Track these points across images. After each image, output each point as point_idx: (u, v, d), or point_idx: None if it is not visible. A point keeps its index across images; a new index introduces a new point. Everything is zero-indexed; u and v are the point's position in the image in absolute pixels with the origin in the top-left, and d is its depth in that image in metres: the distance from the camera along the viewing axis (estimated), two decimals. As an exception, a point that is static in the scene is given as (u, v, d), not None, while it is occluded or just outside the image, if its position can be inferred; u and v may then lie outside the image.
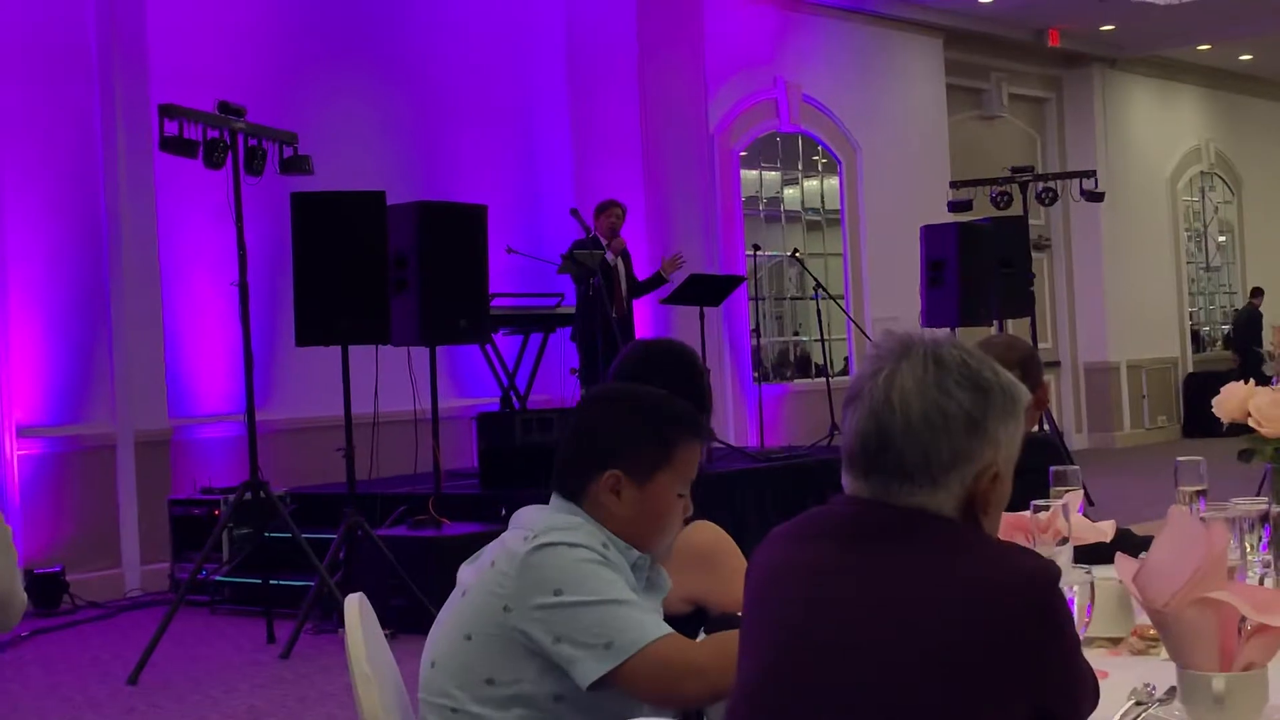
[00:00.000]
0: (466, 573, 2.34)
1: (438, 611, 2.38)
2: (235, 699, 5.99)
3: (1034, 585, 1.64)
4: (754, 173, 13.22)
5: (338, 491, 7.64)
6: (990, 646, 1.60)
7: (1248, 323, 17.91)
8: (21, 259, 8.44)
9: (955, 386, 1.70)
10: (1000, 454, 1.72)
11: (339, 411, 7.18)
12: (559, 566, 2.19)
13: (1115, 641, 2.39)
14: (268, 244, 8.51)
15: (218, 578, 7.99)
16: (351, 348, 7.13)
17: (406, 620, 6.32)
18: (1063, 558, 2.32)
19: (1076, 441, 15.76)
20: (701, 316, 9.90)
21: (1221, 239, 19.10)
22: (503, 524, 2.42)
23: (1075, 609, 2.19)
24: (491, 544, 2.35)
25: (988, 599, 1.62)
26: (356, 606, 2.40)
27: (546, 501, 2.38)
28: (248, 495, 7.00)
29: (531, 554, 2.21)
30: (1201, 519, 2.03)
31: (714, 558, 2.59)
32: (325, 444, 7.99)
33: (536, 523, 2.28)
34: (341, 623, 7.27)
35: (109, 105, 8.74)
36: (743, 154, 12.98)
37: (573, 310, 9.24)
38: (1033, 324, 11.68)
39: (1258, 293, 17.96)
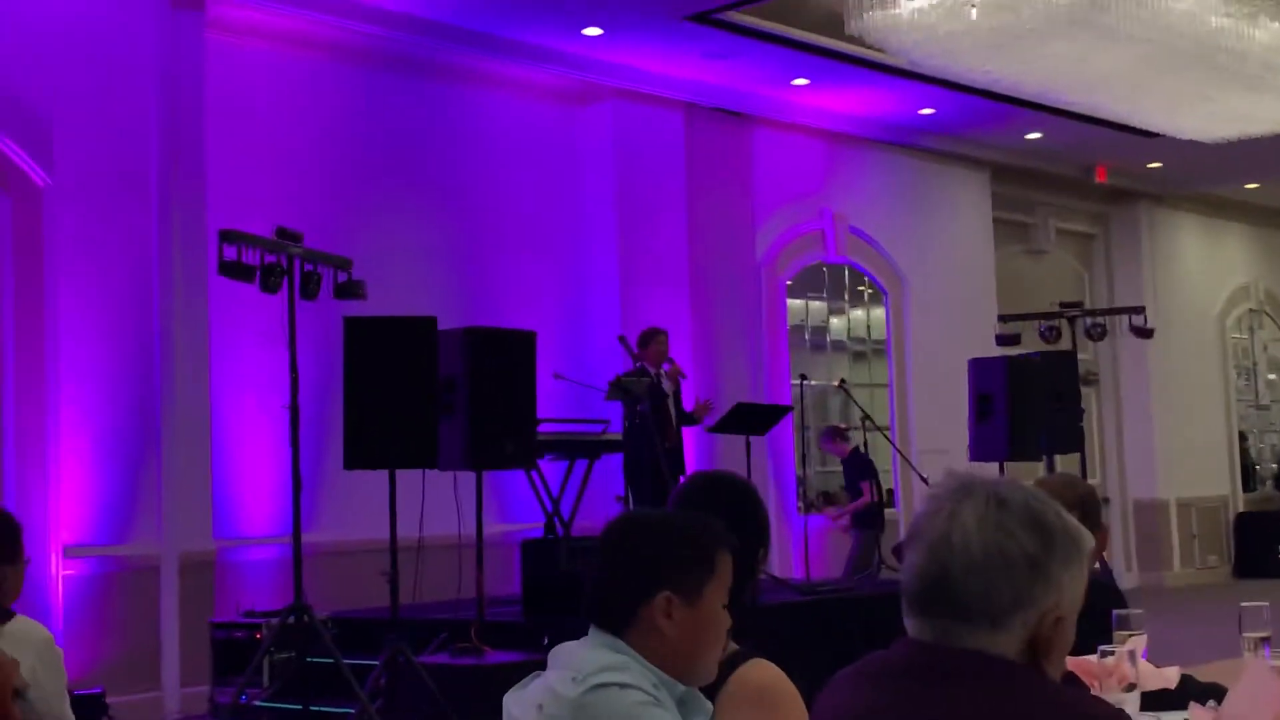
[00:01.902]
0: (513, 705, 2.30)
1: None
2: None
3: None
4: (800, 302, 13.28)
5: (380, 616, 7.59)
6: None
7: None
8: (74, 378, 8.53)
9: (1018, 527, 1.68)
10: (1064, 598, 1.70)
11: (384, 535, 7.16)
12: (611, 710, 2.16)
13: (1185, 793, 2.33)
14: (318, 367, 8.58)
15: (258, 703, 7.91)
16: (398, 471, 7.13)
17: (447, 750, 6.24)
18: (1130, 704, 2.27)
19: (1126, 580, 15.52)
20: (747, 445, 9.87)
21: (1271, 376, 18.96)
22: (545, 652, 2.39)
23: (1145, 759, 2.14)
24: (537, 679, 2.31)
25: None
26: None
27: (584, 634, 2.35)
28: (290, 619, 6.97)
29: (584, 697, 2.17)
30: (1275, 668, 1.98)
31: (772, 699, 2.54)
32: (369, 567, 7.95)
33: (583, 662, 2.24)
34: (382, 751, 7.04)
35: (166, 229, 8.88)
36: (789, 283, 13.05)
37: (618, 437, 9.24)
38: (1082, 460, 11.57)
39: None
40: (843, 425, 12.12)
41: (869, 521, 11.68)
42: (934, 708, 1.66)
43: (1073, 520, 1.74)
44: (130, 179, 8.84)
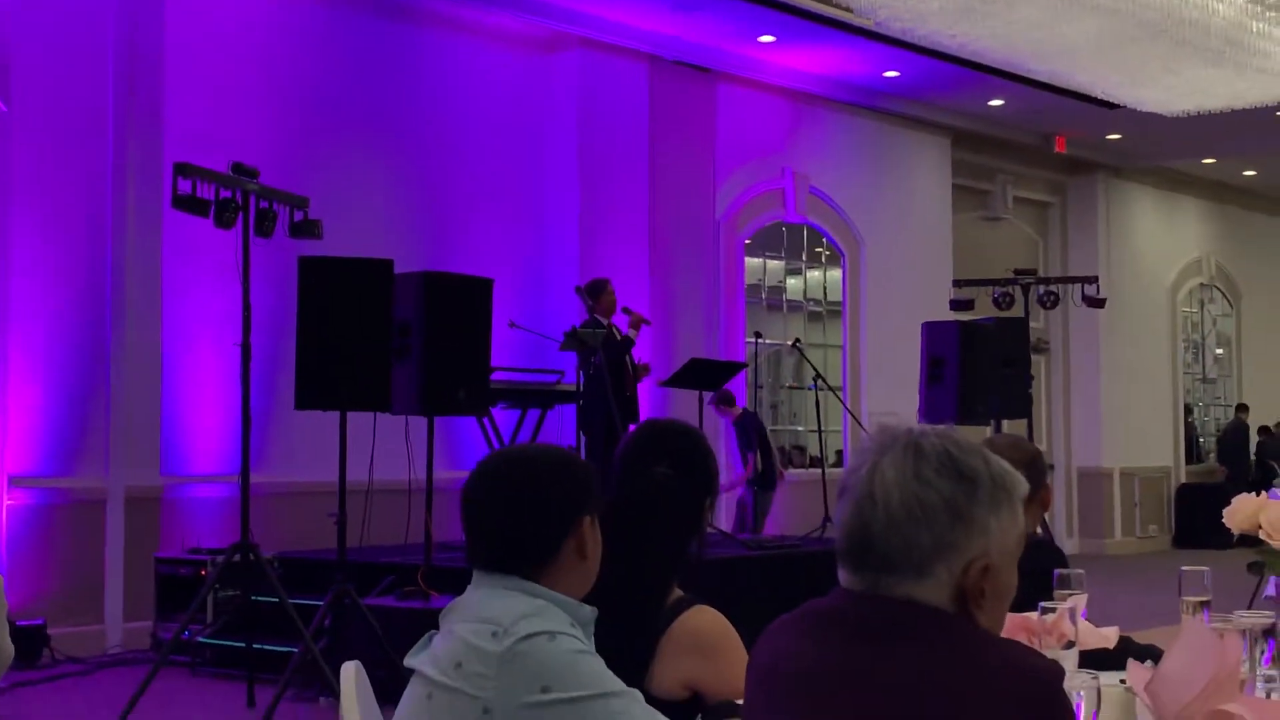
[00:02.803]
0: (420, 665, 2.26)
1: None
2: (212, 764, 5.90)
3: (1041, 686, 1.62)
4: (758, 260, 13.30)
5: (327, 558, 7.58)
6: None
7: (1234, 436, 17.94)
8: (24, 309, 8.44)
9: (935, 475, 1.69)
10: (992, 544, 1.69)
11: (333, 477, 7.14)
12: (543, 661, 2.13)
13: (1118, 750, 2.36)
14: (271, 306, 8.53)
15: (201, 639, 7.91)
16: (349, 413, 7.11)
17: (389, 693, 6.23)
18: (1068, 661, 2.30)
19: (1067, 546, 15.71)
20: (700, 401, 9.90)
21: (1219, 351, 19.18)
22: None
23: (1082, 714, 2.17)
24: (438, 637, 2.26)
25: (995, 699, 1.59)
26: (353, 675, 2.37)
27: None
28: (236, 557, 6.95)
29: (512, 649, 2.13)
30: (1214, 630, 2.02)
31: (714, 644, 2.57)
32: (317, 509, 7.95)
33: (501, 613, 2.19)
34: (323, 691, 7.11)
35: (121, 162, 8.79)
36: (748, 242, 13.06)
37: (572, 387, 9.24)
38: (1029, 426, 11.68)
39: (1243, 408, 18.03)
40: (729, 391, 11.52)
41: (760, 482, 11.60)
42: (868, 659, 1.67)
43: (1001, 465, 1.73)
44: (87, 111, 8.73)
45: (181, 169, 6.86)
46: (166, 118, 9.01)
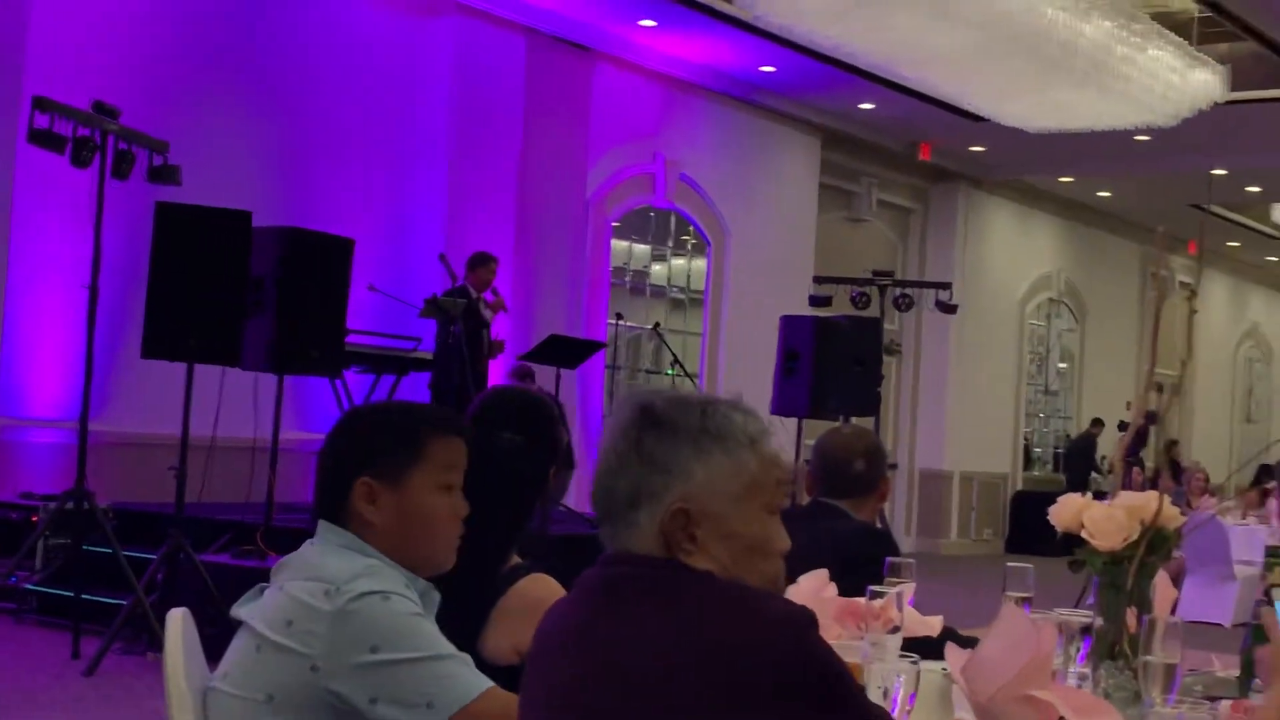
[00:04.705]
0: (248, 617, 2.23)
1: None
2: (32, 715, 5.76)
3: (789, 631, 1.63)
4: (625, 244, 13.34)
5: (165, 511, 7.43)
6: (759, 701, 1.58)
7: (1082, 450, 18.48)
8: None
9: (634, 426, 1.74)
10: (696, 490, 1.70)
11: (176, 430, 7.01)
12: (374, 621, 2.10)
13: (934, 734, 2.43)
14: (125, 251, 8.32)
15: (28, 586, 7.70)
16: (197, 367, 6.98)
17: (217, 649, 6.15)
18: (892, 645, 2.36)
19: (904, 544, 16.03)
20: (557, 379, 9.90)
21: (1062, 365, 19.74)
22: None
23: (899, 698, 2.23)
24: (270, 590, 2.23)
25: (742, 652, 1.60)
26: (179, 622, 2.33)
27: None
28: (70, 504, 6.79)
29: (343, 608, 2.10)
30: (1030, 618, 2.08)
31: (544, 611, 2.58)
32: (158, 461, 7.77)
33: (333, 571, 2.16)
34: (152, 645, 6.98)
35: (-24, 91, 8.50)
36: (615, 224, 13.09)
37: (429, 355, 9.18)
38: (876, 424, 11.90)
39: (1097, 423, 18.56)
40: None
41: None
42: (593, 615, 1.72)
43: (725, 417, 1.74)
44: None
45: (40, 103, 6.68)
46: (29, 52, 8.73)
